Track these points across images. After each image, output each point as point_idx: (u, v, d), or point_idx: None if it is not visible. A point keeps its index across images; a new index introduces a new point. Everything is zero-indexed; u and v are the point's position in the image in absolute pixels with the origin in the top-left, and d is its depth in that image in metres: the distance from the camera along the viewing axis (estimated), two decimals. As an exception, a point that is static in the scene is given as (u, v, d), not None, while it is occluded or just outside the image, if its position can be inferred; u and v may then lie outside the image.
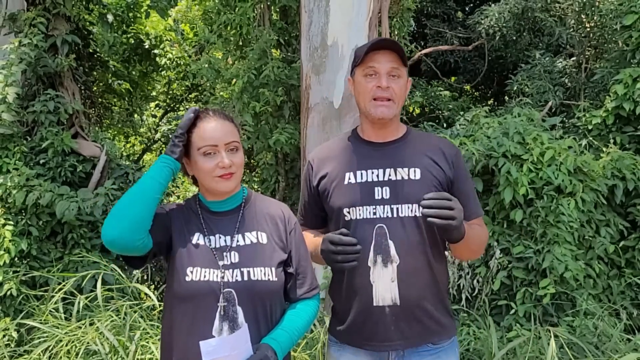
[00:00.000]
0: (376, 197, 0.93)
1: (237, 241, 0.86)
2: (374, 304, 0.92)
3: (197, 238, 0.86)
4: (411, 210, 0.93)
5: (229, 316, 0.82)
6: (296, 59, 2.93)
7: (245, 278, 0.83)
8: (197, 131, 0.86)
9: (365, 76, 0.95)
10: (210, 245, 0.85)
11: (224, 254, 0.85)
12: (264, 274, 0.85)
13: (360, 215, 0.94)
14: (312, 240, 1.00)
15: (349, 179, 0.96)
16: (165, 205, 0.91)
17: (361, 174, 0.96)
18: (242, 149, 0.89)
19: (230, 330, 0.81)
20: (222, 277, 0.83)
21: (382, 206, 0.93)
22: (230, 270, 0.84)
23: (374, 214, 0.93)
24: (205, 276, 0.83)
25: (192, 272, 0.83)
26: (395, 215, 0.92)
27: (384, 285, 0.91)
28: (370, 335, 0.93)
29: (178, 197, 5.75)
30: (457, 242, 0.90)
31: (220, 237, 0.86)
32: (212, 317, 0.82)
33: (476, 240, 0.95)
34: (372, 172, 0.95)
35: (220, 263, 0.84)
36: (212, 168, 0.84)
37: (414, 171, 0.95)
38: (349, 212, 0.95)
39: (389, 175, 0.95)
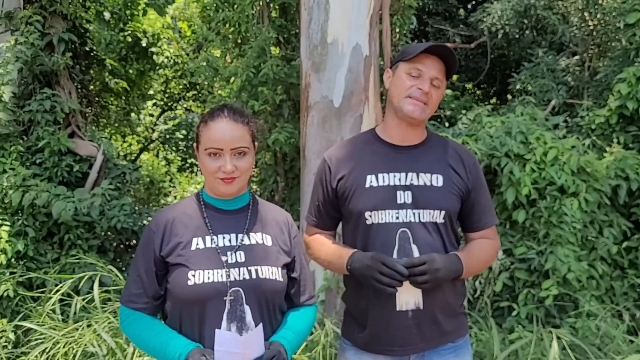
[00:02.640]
0: (398, 201, 0.92)
1: (242, 240, 0.85)
2: (397, 309, 0.91)
3: (197, 243, 0.84)
4: (432, 217, 0.92)
5: (237, 316, 0.80)
6: (295, 57, 2.89)
7: (253, 276, 0.82)
8: (206, 130, 0.84)
9: (408, 74, 0.94)
10: (213, 244, 0.84)
11: (229, 252, 0.83)
12: (272, 272, 0.84)
13: (382, 219, 0.92)
14: (333, 249, 0.97)
15: (371, 182, 0.94)
16: (153, 226, 0.86)
17: (383, 177, 0.94)
18: (252, 151, 0.87)
19: (238, 330, 0.80)
20: (228, 276, 0.81)
21: (404, 210, 0.92)
22: (237, 269, 0.82)
23: (397, 218, 0.91)
24: (209, 278, 0.81)
25: (194, 275, 0.81)
26: (417, 220, 0.91)
27: (408, 289, 0.89)
28: (392, 340, 0.92)
29: (175, 197, 5.72)
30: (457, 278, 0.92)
31: (225, 237, 0.85)
32: (219, 318, 0.80)
33: (478, 263, 0.96)
34: (394, 176, 0.94)
35: (224, 259, 0.82)
36: (215, 170, 0.83)
37: (437, 178, 0.94)
38: (370, 216, 0.93)
39: (411, 179, 0.94)
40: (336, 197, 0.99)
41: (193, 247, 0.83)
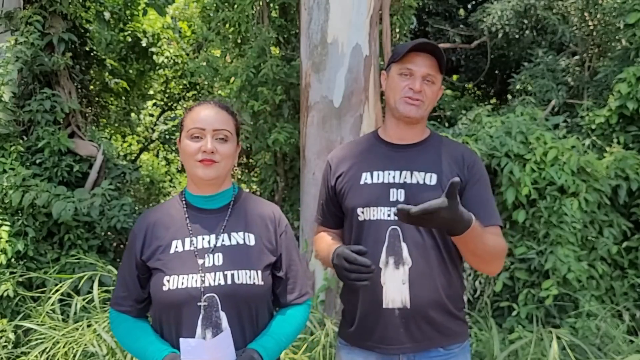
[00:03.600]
0: (391, 199, 0.92)
1: (222, 241, 0.83)
2: (384, 306, 0.90)
3: (176, 246, 0.83)
4: None
5: (212, 322, 0.79)
6: (295, 57, 2.89)
7: (229, 282, 0.80)
8: (191, 114, 0.85)
9: (400, 75, 0.95)
10: (192, 246, 0.82)
11: (207, 255, 0.81)
12: (250, 277, 0.81)
13: (374, 216, 0.93)
14: (329, 244, 0.97)
15: (365, 179, 0.95)
16: (136, 229, 0.86)
17: (377, 174, 0.95)
18: (235, 143, 0.86)
19: (213, 336, 0.78)
20: (203, 282, 0.79)
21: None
22: (212, 274, 0.80)
23: (389, 215, 0.91)
24: (183, 283, 0.80)
25: (169, 281, 0.80)
26: None
27: (395, 287, 0.89)
28: (380, 337, 0.92)
29: (175, 197, 5.69)
30: (458, 235, 0.80)
31: (204, 238, 0.83)
32: (194, 324, 0.79)
33: (484, 246, 0.87)
34: (389, 174, 0.94)
35: (200, 262, 0.80)
36: (195, 151, 0.82)
37: (430, 176, 0.93)
38: (362, 212, 0.94)
39: (405, 177, 0.94)
40: (335, 194, 1.00)
41: (172, 251, 0.82)
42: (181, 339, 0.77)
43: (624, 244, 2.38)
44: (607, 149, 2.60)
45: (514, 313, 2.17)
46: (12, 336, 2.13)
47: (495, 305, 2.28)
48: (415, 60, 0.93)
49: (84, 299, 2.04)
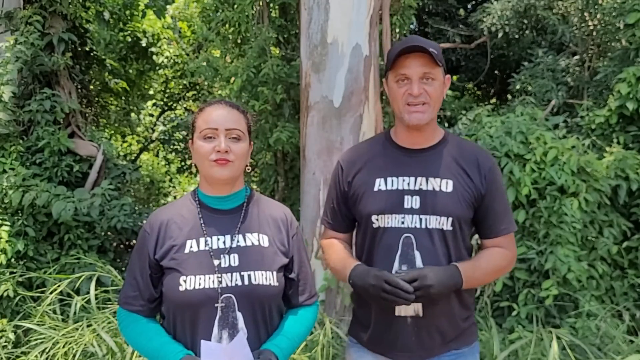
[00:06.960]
0: (405, 206, 0.91)
1: (238, 241, 0.83)
2: (396, 314, 0.91)
3: (191, 246, 0.83)
4: (439, 223, 0.91)
5: (229, 322, 0.79)
6: (296, 57, 2.90)
7: (246, 282, 0.81)
8: (202, 115, 0.84)
9: (397, 82, 0.92)
10: (207, 247, 0.82)
11: (223, 256, 0.82)
12: (265, 278, 0.82)
13: (388, 223, 0.92)
14: (340, 257, 0.96)
15: (379, 185, 0.94)
16: (147, 228, 0.85)
17: (392, 180, 0.94)
18: (247, 142, 0.86)
19: (230, 337, 0.79)
20: (220, 282, 0.80)
21: (410, 216, 0.91)
22: (229, 274, 0.81)
23: (402, 223, 0.91)
24: (200, 284, 0.80)
25: (185, 281, 0.80)
26: (423, 226, 0.91)
27: None
28: (391, 344, 0.93)
29: (175, 197, 5.72)
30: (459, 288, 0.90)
31: (219, 239, 0.83)
32: (211, 325, 0.79)
33: (484, 274, 0.93)
34: (403, 180, 0.93)
35: (216, 263, 0.80)
36: (209, 151, 0.81)
37: (446, 183, 0.92)
38: (377, 220, 0.93)
39: (420, 184, 0.92)
40: (347, 198, 0.99)
41: (187, 250, 0.82)
42: (202, 341, 0.77)
43: (624, 244, 2.38)
44: (607, 149, 2.59)
45: (514, 313, 2.17)
46: (12, 336, 2.12)
47: (495, 305, 2.28)
48: (407, 63, 0.89)
49: (83, 299, 2.04)
